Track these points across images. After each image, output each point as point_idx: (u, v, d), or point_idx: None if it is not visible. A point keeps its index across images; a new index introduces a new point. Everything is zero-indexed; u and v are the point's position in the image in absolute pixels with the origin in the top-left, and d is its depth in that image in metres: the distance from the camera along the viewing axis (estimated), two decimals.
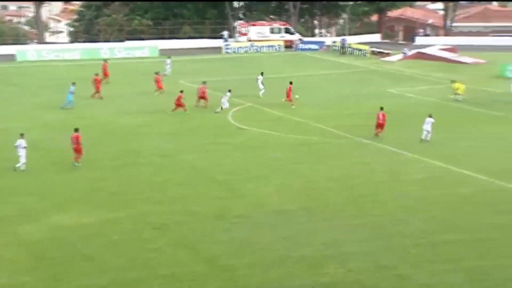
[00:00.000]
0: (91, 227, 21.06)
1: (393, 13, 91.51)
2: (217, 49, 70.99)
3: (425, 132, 32.09)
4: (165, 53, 66.26)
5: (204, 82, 41.39)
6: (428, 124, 32.08)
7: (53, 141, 31.43)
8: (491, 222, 21.36)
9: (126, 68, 56.99)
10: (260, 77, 43.96)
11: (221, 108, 37.96)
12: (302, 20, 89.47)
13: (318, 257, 18.83)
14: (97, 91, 43.24)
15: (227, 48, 71.02)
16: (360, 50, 68.00)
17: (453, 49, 65.14)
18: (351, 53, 68.29)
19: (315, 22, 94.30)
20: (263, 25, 76.68)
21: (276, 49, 71.98)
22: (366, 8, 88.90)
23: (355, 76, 54.08)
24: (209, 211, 22.53)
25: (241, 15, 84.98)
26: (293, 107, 39.99)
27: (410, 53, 64.12)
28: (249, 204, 23.18)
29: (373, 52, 67.24)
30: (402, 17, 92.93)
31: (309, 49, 72.12)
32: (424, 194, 24.24)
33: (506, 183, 25.27)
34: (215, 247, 19.60)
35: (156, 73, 45.87)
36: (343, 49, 69.06)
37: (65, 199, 23.69)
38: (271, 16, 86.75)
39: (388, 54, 65.76)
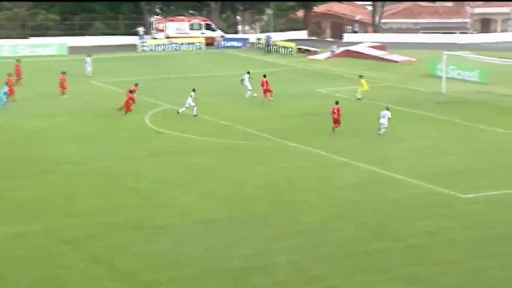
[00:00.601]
0: None
1: (319, 9, 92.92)
2: (132, 47, 70.23)
3: (381, 126, 33.54)
4: (75, 51, 65.13)
5: (136, 84, 40.83)
6: (384, 118, 33.46)
7: None
8: (423, 228, 21.96)
9: (31, 67, 55.42)
10: (246, 76, 44.10)
11: (186, 108, 38.02)
12: (224, 15, 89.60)
13: (243, 269, 18.85)
14: (11, 93, 42.35)
15: (143, 46, 70.36)
16: (286, 47, 68.68)
17: (382, 46, 66.75)
18: (277, 51, 68.89)
19: (238, 18, 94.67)
20: (182, 21, 76.35)
21: (196, 46, 71.82)
22: (291, 4, 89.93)
23: (282, 76, 54.56)
24: (126, 222, 22.22)
25: (158, 10, 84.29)
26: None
27: (338, 51, 65.28)
28: (171, 214, 23.01)
29: (299, 50, 68.03)
30: (329, 12, 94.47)
31: (232, 47, 72.34)
32: (355, 199, 24.70)
33: (436, 186, 26.04)
34: (133, 261, 19.32)
35: (63, 73, 44.94)
36: (268, 47, 69.57)
37: None
38: (191, 11, 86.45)
39: (315, 52, 66.70)
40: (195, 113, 37.92)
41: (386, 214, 23.28)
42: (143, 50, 69.83)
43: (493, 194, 25.21)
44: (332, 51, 65.11)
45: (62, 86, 44.49)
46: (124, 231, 21.49)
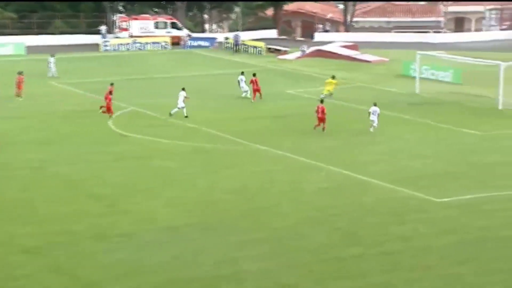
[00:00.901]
0: None
1: (289, 7, 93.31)
2: (94, 46, 69.78)
3: (372, 122, 34.93)
4: (33, 50, 64.53)
5: (111, 84, 40.47)
6: (374, 115, 34.81)
7: None
8: (396, 233, 22.14)
9: None
10: (242, 77, 44.71)
11: (179, 108, 38.15)
12: (190, 14, 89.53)
13: (211, 278, 18.83)
14: None
15: (105, 45, 69.93)
16: (255, 47, 68.90)
17: (354, 46, 67.25)
18: (246, 51, 69.07)
19: (205, 16, 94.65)
20: (147, 19, 76.11)
21: (162, 46, 71.62)
22: (261, 2, 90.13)
23: (251, 76, 54.61)
24: (88, 230, 22.04)
25: (121, 8, 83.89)
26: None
27: (309, 50, 65.61)
28: (135, 221, 22.89)
29: (269, 50, 68.29)
30: (300, 11, 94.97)
31: (199, 47, 72.32)
32: (327, 204, 24.82)
33: (410, 190, 26.28)
34: (95, 271, 19.19)
35: (19, 73, 44.47)
36: (236, 47, 69.71)
37: None
38: (155, 9, 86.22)
39: (285, 52, 66.98)
40: (172, 112, 38.00)
41: (359, 219, 23.42)
42: (106, 50, 69.43)
43: (468, 198, 25.53)
44: (303, 51, 65.41)
45: (19, 87, 43.99)
46: (87, 239, 21.31)
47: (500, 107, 42.06)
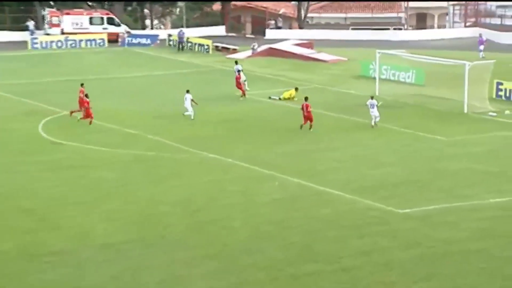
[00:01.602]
0: None
1: (238, 1, 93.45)
2: (22, 44, 68.88)
3: (373, 117, 37.60)
4: None
5: (81, 84, 39.91)
6: (374, 108, 37.47)
7: None
8: (356, 248, 22.38)
9: None
10: (238, 67, 47.61)
11: (190, 114, 39.03)
12: (129, 8, 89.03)
13: None
14: None
15: (34, 43, 69.11)
16: (201, 45, 68.98)
17: (309, 44, 67.76)
18: (191, 49, 69.12)
19: (146, 11, 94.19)
20: (81, 14, 75.43)
21: (98, 44, 71.15)
22: None
23: (197, 77, 54.65)
24: (15, 248, 21.80)
25: (51, 2, 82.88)
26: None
27: (260, 49, 65.89)
28: (69, 238, 22.70)
29: (216, 48, 68.41)
30: (250, 5, 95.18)
31: (139, 44, 72.03)
32: (281, 217, 24.97)
33: (371, 201, 26.59)
34: None
35: None
36: (181, 44, 69.69)
37: None
38: (90, 3, 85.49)
39: (234, 50, 67.15)
40: (192, 117, 38.98)
41: (316, 233, 23.61)
42: (35, 48, 68.58)
43: (431, 209, 25.92)
44: (254, 49, 65.65)
45: None
46: (15, 259, 21.05)
47: (465, 110, 42.80)
